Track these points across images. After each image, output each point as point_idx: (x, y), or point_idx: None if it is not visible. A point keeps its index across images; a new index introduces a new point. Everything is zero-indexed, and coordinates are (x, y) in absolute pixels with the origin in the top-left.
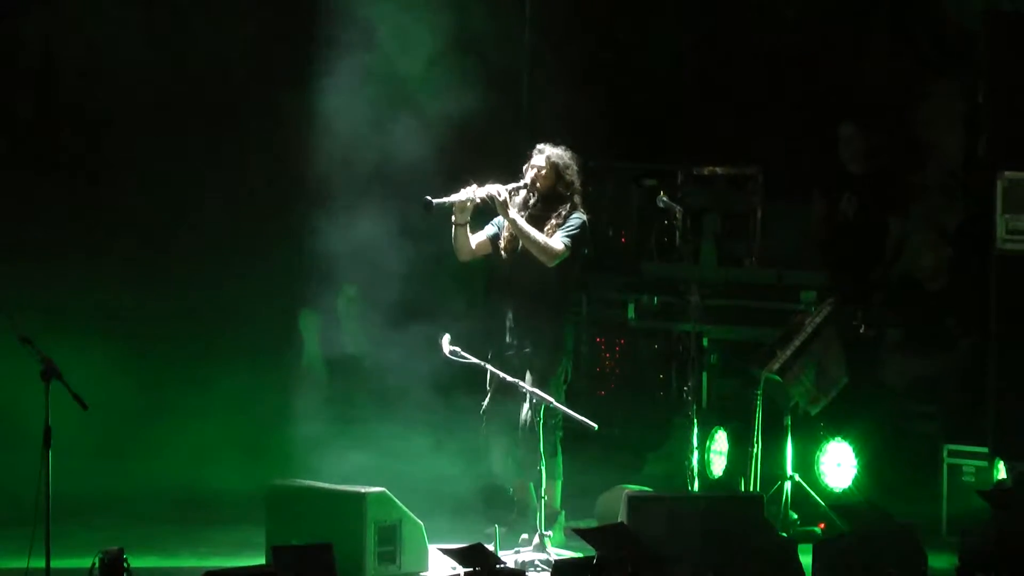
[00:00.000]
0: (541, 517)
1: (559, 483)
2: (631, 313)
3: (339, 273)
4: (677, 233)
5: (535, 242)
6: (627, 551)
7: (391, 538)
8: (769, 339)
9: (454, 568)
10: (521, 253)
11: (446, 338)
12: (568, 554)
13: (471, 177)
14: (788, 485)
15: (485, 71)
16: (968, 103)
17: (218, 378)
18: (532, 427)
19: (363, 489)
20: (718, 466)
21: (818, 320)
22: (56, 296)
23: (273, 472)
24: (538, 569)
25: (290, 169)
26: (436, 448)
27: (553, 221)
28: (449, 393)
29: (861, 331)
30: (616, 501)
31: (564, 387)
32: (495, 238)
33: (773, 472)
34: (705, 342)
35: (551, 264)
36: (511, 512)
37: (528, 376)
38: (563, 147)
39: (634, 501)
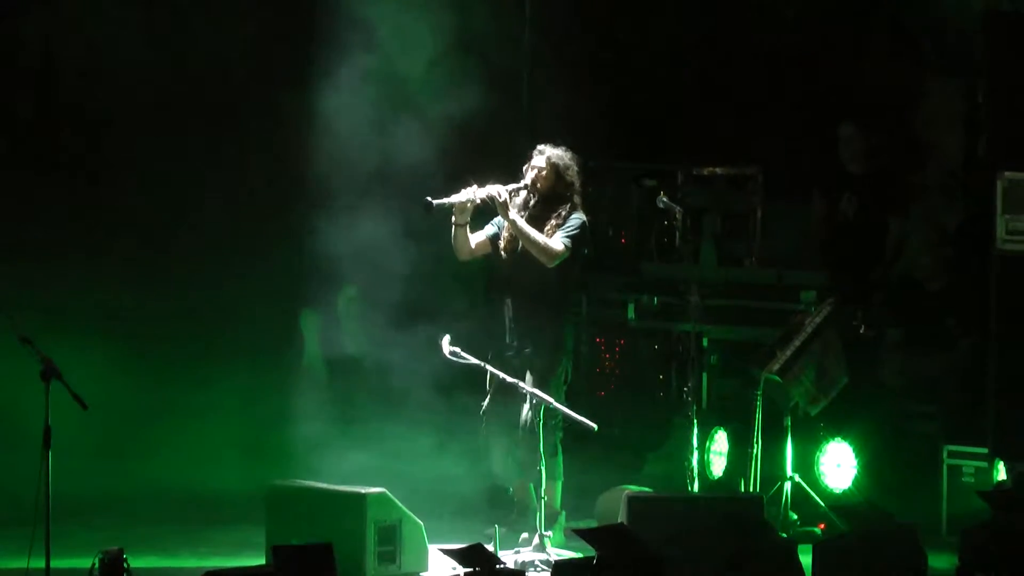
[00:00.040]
0: (541, 517)
1: (559, 483)
2: (631, 313)
3: (339, 273)
4: (677, 233)
5: (535, 243)
6: (627, 551)
7: (391, 538)
8: (769, 339)
9: (454, 568)
10: (521, 253)
11: (446, 339)
12: (568, 554)
13: (471, 177)
14: (788, 486)
15: (485, 71)
16: (968, 103)
17: (218, 378)
18: (532, 427)
19: (363, 489)
20: (718, 466)
21: (818, 320)
22: (56, 296)
23: (273, 472)
24: (538, 569)
25: (290, 169)
26: (437, 448)
27: (553, 221)
28: (450, 393)
29: (861, 331)
30: (616, 501)
31: (564, 387)
32: (495, 238)
33: (773, 472)
34: (705, 342)
35: (551, 265)
36: (511, 512)
37: (528, 376)
38: (563, 147)
39: (634, 501)
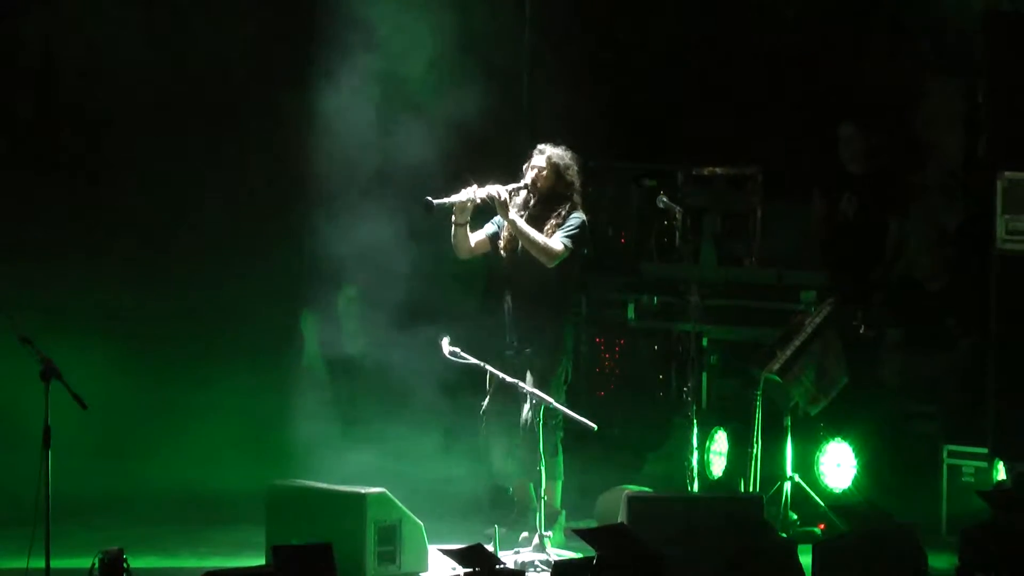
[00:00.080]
0: (541, 517)
1: (559, 483)
2: (631, 313)
3: (339, 273)
4: (677, 233)
5: (535, 243)
6: (627, 551)
7: (391, 538)
8: (769, 339)
9: (454, 568)
10: (521, 253)
11: (446, 339)
12: (568, 554)
13: (471, 177)
14: (788, 485)
15: (485, 71)
16: (968, 103)
17: (218, 378)
18: (532, 427)
19: (363, 489)
20: (718, 466)
21: (818, 320)
22: (56, 296)
23: (273, 472)
24: (538, 569)
25: (290, 169)
26: (438, 449)
27: (553, 221)
28: (451, 394)
29: (861, 331)
30: (616, 501)
31: (564, 387)
32: (494, 237)
33: (773, 472)
34: (705, 342)
35: (551, 265)
36: (511, 512)
37: (528, 376)
38: (563, 147)
39: (634, 501)
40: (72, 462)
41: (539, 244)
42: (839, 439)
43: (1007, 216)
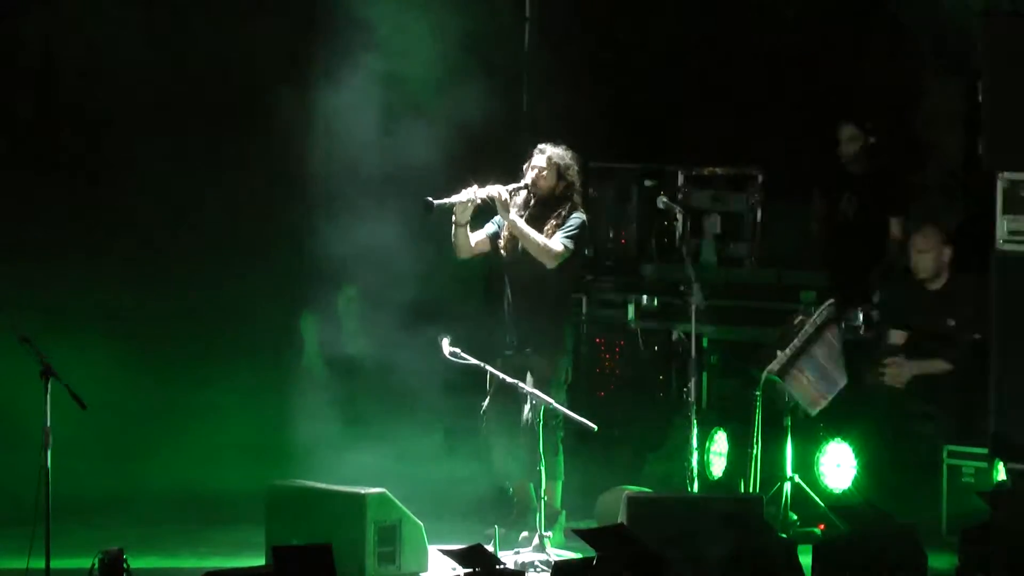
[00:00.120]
0: (541, 517)
1: (559, 483)
2: (631, 313)
3: (339, 273)
4: (677, 233)
5: (535, 243)
6: (627, 551)
7: (391, 538)
8: (769, 339)
9: (454, 568)
10: (521, 253)
11: (446, 339)
12: (568, 554)
13: (471, 177)
14: (788, 486)
15: (485, 71)
16: (968, 103)
17: (218, 378)
18: (532, 427)
19: (363, 490)
20: (718, 467)
21: (818, 320)
22: (56, 296)
23: (273, 472)
24: (538, 570)
25: (290, 169)
26: (439, 449)
27: (553, 221)
28: (452, 394)
29: (861, 331)
30: (616, 501)
31: (565, 387)
32: (495, 236)
33: (773, 473)
34: (705, 342)
35: (551, 265)
36: (511, 512)
37: (528, 377)
38: (564, 147)
39: (634, 501)
40: (72, 462)
41: (539, 244)
42: (839, 439)
43: (1007, 216)
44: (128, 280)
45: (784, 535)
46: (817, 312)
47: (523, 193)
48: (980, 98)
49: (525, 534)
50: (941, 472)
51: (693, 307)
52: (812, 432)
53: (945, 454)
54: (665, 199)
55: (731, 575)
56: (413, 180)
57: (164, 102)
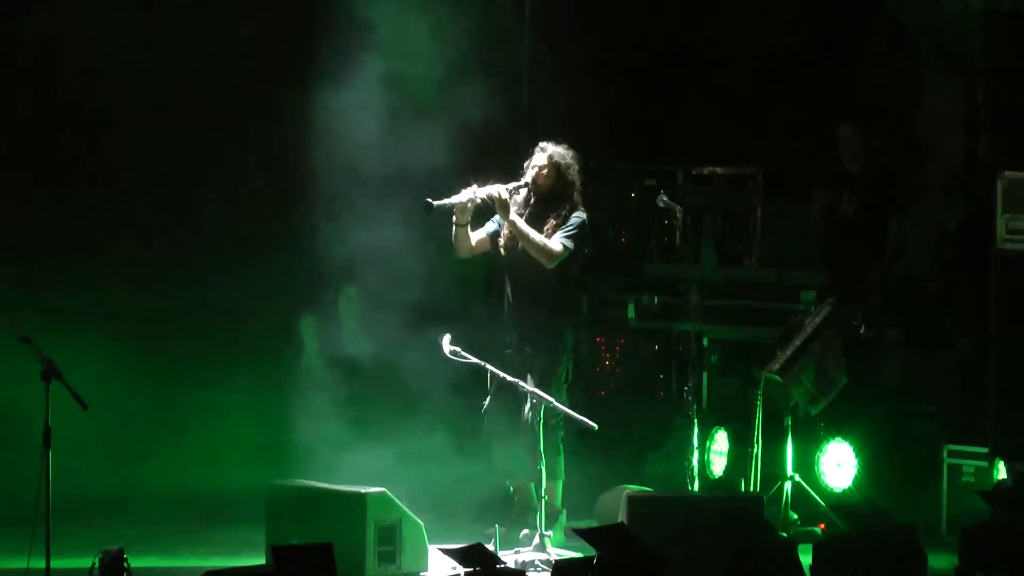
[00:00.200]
0: (541, 517)
1: (560, 483)
2: (631, 313)
3: (339, 273)
4: (677, 233)
5: (534, 243)
6: (627, 551)
7: (391, 538)
8: (769, 339)
9: (454, 568)
10: (521, 252)
11: (446, 338)
12: (568, 554)
13: (471, 177)
14: (788, 485)
15: (485, 71)
16: (968, 103)
17: (218, 378)
18: (533, 427)
19: (363, 489)
20: (718, 466)
21: (818, 320)
22: (56, 296)
23: (273, 472)
24: (538, 569)
25: (290, 169)
26: (439, 448)
27: (553, 221)
28: (453, 394)
29: (861, 331)
30: (616, 501)
31: (565, 387)
32: (495, 236)
33: (773, 472)
34: (705, 342)
35: (550, 266)
36: (511, 512)
37: (528, 376)
38: (565, 146)
39: (634, 501)
40: (72, 462)
41: (538, 245)
42: (839, 439)
43: (1007, 216)
44: (128, 280)
45: (784, 534)
46: (817, 312)
47: (523, 192)
48: (980, 98)
49: (526, 532)
50: (941, 472)
51: (692, 307)
52: (812, 432)
53: (945, 454)
54: (665, 199)
55: (731, 575)
56: (413, 180)
57: (164, 102)
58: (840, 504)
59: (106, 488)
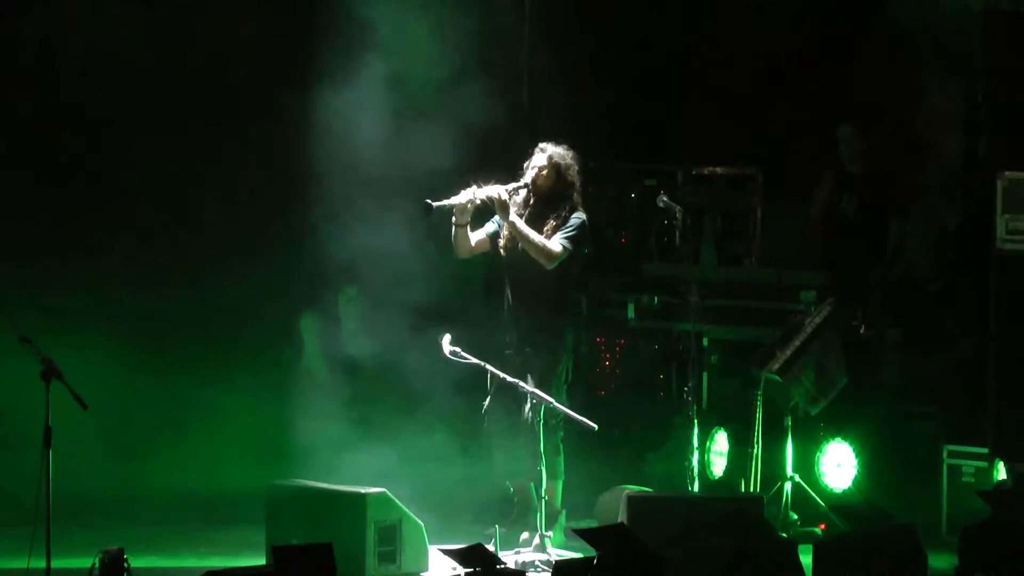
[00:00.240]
0: (541, 517)
1: (560, 483)
2: (631, 313)
3: (339, 273)
4: (677, 233)
5: (533, 244)
6: (627, 551)
7: (391, 538)
8: (769, 339)
9: (454, 568)
10: (521, 252)
11: (446, 338)
12: (568, 554)
13: (471, 178)
14: (788, 485)
15: (486, 71)
16: (968, 103)
17: (218, 378)
18: (533, 427)
19: (363, 489)
20: (718, 466)
21: (818, 320)
22: (56, 296)
23: (274, 472)
24: (538, 569)
25: (290, 169)
26: (439, 448)
27: (552, 221)
28: (453, 394)
29: (861, 331)
30: (616, 501)
31: (565, 387)
32: (495, 236)
33: (773, 472)
34: (705, 342)
35: (550, 266)
36: (511, 512)
37: (528, 376)
38: (565, 147)
39: (634, 501)
40: (72, 462)
41: (538, 245)
42: (839, 439)
43: (1007, 216)
44: (128, 280)
45: (784, 535)
46: (817, 312)
47: (523, 192)
48: (980, 98)
49: (525, 536)
50: (941, 472)
51: (692, 307)
52: (812, 432)
53: (945, 454)
54: (665, 199)
55: (731, 575)
56: (413, 180)
57: (164, 102)
58: (840, 504)
59: (106, 488)
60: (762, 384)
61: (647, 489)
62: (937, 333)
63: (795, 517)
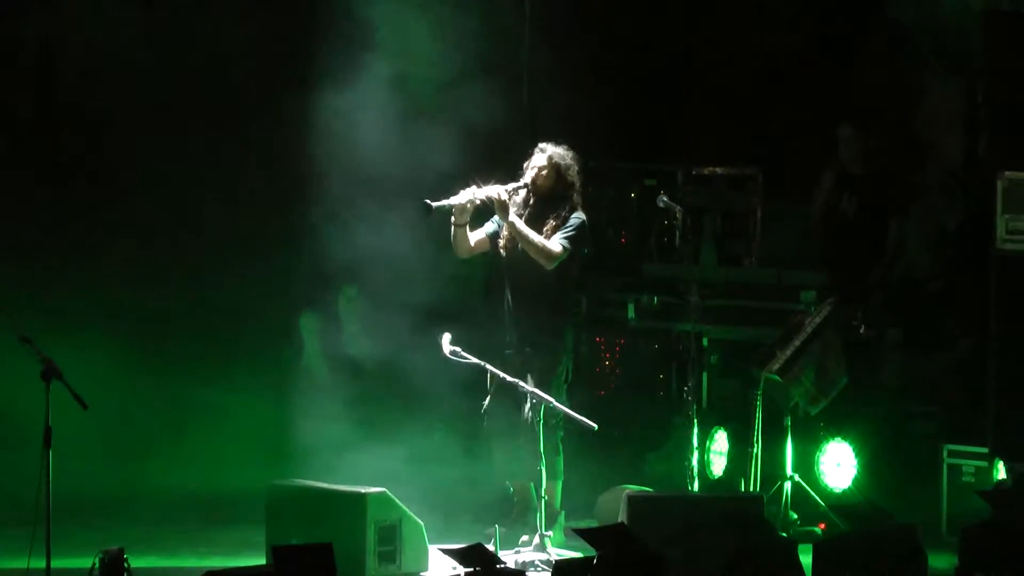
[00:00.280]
0: (541, 517)
1: (559, 483)
2: (631, 313)
3: (339, 273)
4: (677, 233)
5: (533, 244)
6: (627, 551)
7: (391, 538)
8: (769, 339)
9: (454, 568)
10: (521, 253)
11: (446, 338)
12: (568, 554)
13: (471, 178)
14: (788, 485)
15: (486, 71)
16: (968, 103)
17: (218, 378)
18: (533, 427)
19: (363, 489)
20: (718, 466)
21: (818, 320)
22: (56, 296)
23: (274, 472)
24: (538, 569)
25: (290, 169)
26: (439, 448)
27: (552, 221)
28: (453, 394)
29: (861, 331)
30: (616, 501)
31: (565, 387)
32: (494, 236)
33: (773, 472)
34: (705, 342)
35: (549, 267)
36: (511, 512)
37: (528, 376)
38: (565, 147)
39: (634, 501)
40: (72, 462)
41: (537, 246)
42: (839, 439)
43: (1007, 216)
44: (128, 280)
45: (784, 534)
46: (817, 312)
47: (523, 192)
48: (980, 98)
49: (525, 538)
50: (941, 472)
51: (692, 307)
52: (812, 432)
53: (945, 454)
54: (665, 199)
55: (731, 575)
56: (413, 180)
57: (164, 102)
58: (840, 504)
59: (106, 488)
60: (762, 384)
61: (647, 489)
62: (937, 333)
63: (795, 517)
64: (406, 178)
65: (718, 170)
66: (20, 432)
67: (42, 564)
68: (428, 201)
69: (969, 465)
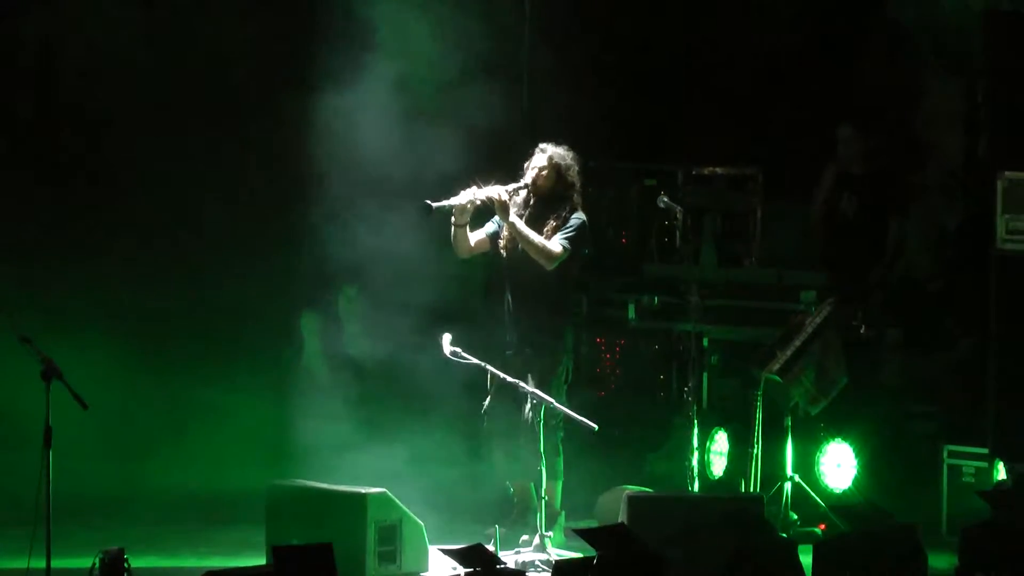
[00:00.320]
0: (541, 517)
1: (560, 483)
2: (631, 313)
3: (339, 273)
4: (677, 233)
5: (533, 245)
6: (627, 551)
7: (391, 538)
8: (769, 339)
9: (454, 568)
10: (521, 253)
11: (446, 338)
12: (568, 554)
13: (471, 178)
14: (788, 486)
15: (486, 72)
16: (968, 103)
17: (218, 378)
18: (533, 427)
19: (363, 489)
20: (718, 466)
21: (818, 320)
22: (56, 296)
23: (274, 472)
24: (538, 569)
25: (290, 169)
26: (439, 448)
27: (552, 222)
28: (453, 394)
29: (861, 331)
30: (616, 501)
31: (565, 387)
32: (494, 236)
33: (773, 473)
34: (705, 342)
35: (549, 267)
36: (511, 512)
37: (529, 377)
38: (565, 147)
39: (634, 501)
40: (72, 462)
41: (538, 246)
42: (839, 439)
43: (1007, 216)
44: (128, 280)
45: (784, 535)
46: (817, 312)
47: (523, 193)
48: (980, 98)
49: (525, 538)
50: (941, 472)
51: (692, 307)
52: (812, 432)
53: (945, 454)
54: (665, 199)
55: (731, 575)
56: (413, 180)
57: (164, 102)
58: (840, 504)
59: (106, 488)
60: (762, 384)
61: (647, 489)
62: (937, 333)
63: (795, 517)
64: (406, 178)
65: (718, 170)
66: (20, 432)
67: (42, 564)
68: (428, 201)
69: (969, 465)
